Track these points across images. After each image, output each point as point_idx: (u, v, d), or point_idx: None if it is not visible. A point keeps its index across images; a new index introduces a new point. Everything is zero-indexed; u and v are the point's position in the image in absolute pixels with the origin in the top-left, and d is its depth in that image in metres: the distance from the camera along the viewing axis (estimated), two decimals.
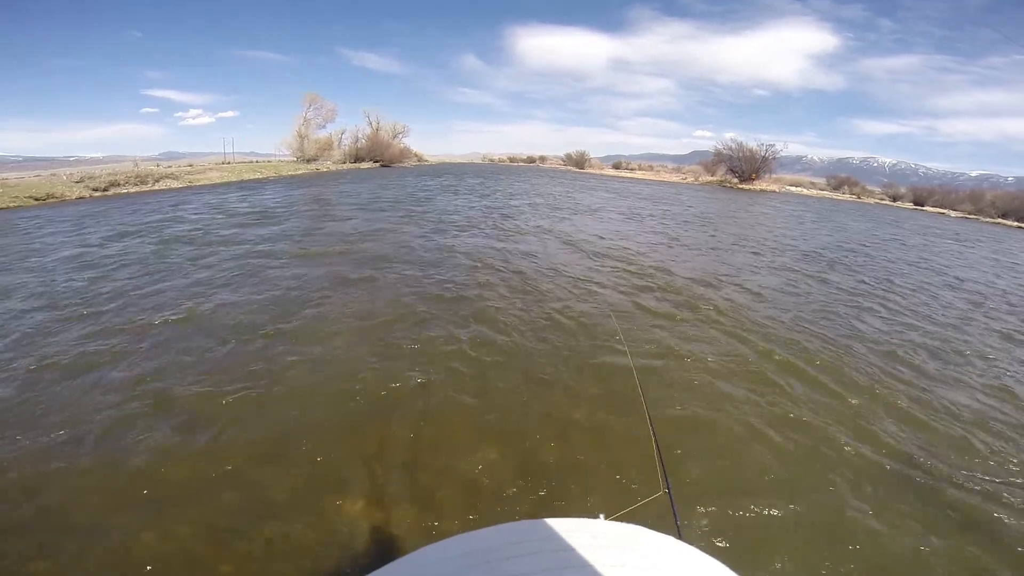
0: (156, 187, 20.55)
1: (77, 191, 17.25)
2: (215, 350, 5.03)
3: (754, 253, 12.59)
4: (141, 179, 20.61)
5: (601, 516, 1.12)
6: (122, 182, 19.52)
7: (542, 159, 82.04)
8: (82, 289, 6.85)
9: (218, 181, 23.97)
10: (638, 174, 61.13)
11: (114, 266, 8.07)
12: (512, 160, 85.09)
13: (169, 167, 27.68)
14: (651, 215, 19.02)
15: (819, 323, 7.12)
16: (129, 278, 7.39)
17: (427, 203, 18.23)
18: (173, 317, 5.82)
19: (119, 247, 9.39)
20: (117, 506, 3.00)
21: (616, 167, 69.67)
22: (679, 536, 1.39)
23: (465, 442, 3.76)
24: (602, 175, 57.89)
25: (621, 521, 0.99)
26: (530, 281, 8.11)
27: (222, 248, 9.53)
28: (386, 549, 2.82)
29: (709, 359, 5.51)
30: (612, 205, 21.74)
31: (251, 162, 37.22)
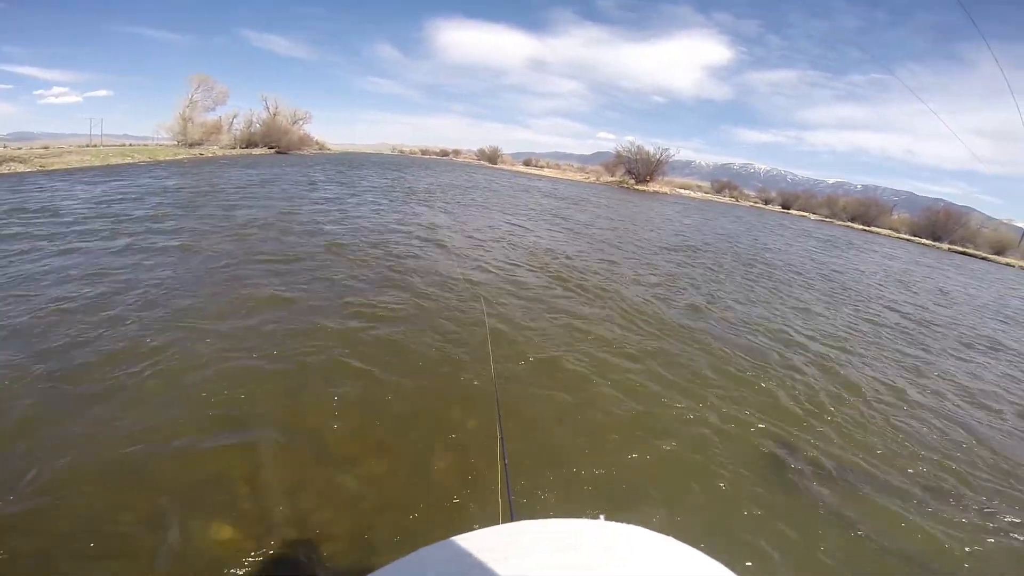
0: None
1: None
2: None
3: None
4: None
5: (601, 516, 1.12)
6: None
7: (456, 153, 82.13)
8: None
9: (77, 165, 21.60)
10: (546, 171, 63.72)
11: None
12: (424, 152, 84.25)
13: (19, 148, 24.26)
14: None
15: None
16: None
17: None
18: None
19: None
20: None
21: (527, 164, 72.05)
22: (510, 506, 1.52)
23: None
24: (514, 171, 59.58)
25: (621, 522, 1.01)
26: None
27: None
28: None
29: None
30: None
31: (122, 145, 33.50)
